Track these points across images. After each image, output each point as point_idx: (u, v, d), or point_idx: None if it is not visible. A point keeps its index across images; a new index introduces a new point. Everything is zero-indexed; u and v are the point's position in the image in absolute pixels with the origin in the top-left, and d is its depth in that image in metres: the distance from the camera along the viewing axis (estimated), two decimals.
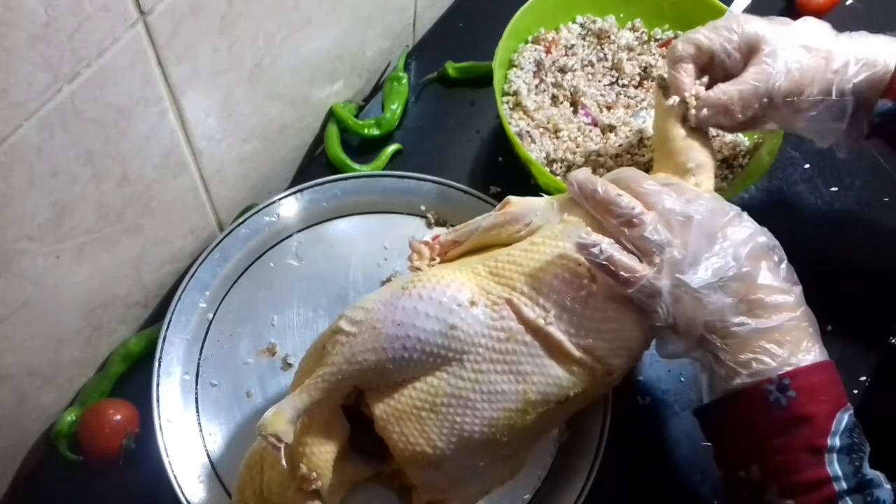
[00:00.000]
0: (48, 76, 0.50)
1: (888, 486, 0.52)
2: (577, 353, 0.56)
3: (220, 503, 0.67)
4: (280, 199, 0.78)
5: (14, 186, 0.53)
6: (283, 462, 0.55)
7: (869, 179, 0.88)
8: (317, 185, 0.79)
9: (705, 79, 0.66)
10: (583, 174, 0.58)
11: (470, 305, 0.57)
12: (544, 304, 0.56)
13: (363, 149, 0.88)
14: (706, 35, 0.65)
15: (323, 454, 0.58)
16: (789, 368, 0.53)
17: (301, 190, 0.79)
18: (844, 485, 0.51)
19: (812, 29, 0.66)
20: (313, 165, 0.88)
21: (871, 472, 0.52)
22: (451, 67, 0.92)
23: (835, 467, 0.51)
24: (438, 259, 0.64)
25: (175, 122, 0.65)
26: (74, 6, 0.49)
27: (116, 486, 0.69)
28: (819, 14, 0.99)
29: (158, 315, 0.78)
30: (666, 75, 0.66)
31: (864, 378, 0.78)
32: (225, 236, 0.76)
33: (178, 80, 0.62)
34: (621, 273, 0.53)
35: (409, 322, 0.56)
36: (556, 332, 0.56)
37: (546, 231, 0.60)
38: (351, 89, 0.91)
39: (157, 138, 0.64)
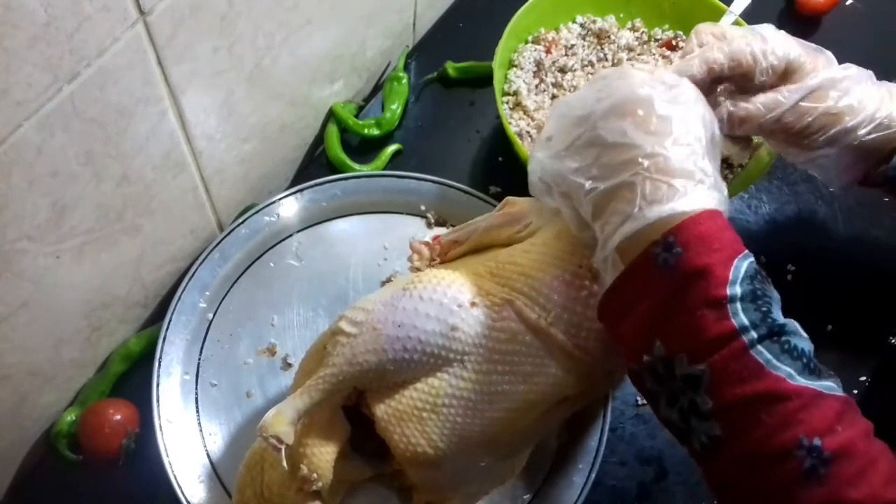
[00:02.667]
0: (48, 76, 0.50)
1: (805, 335, 0.48)
2: (577, 353, 0.56)
3: (220, 503, 0.67)
4: (280, 199, 0.78)
5: (14, 186, 0.53)
6: (284, 463, 0.55)
7: None
8: (317, 185, 0.79)
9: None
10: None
11: (471, 306, 0.57)
12: (545, 305, 0.56)
13: (363, 149, 0.88)
14: (740, 48, 0.62)
15: (323, 455, 0.58)
16: (656, 218, 0.48)
17: (301, 190, 0.79)
18: (754, 333, 0.46)
19: (858, 71, 0.65)
20: (313, 165, 0.88)
21: (783, 318, 0.48)
22: (451, 67, 0.92)
23: (740, 317, 0.46)
24: (439, 259, 0.64)
25: (175, 122, 0.65)
26: (74, 6, 0.49)
27: (116, 486, 0.69)
28: (819, 14, 0.99)
29: (158, 315, 0.77)
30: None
31: (864, 378, 0.78)
32: (225, 236, 0.76)
33: (178, 80, 0.62)
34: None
35: (409, 323, 0.56)
36: (557, 332, 0.56)
37: (546, 232, 0.60)
38: (351, 89, 0.91)
39: (157, 138, 0.64)
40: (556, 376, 0.56)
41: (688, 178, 0.49)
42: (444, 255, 0.64)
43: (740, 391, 0.46)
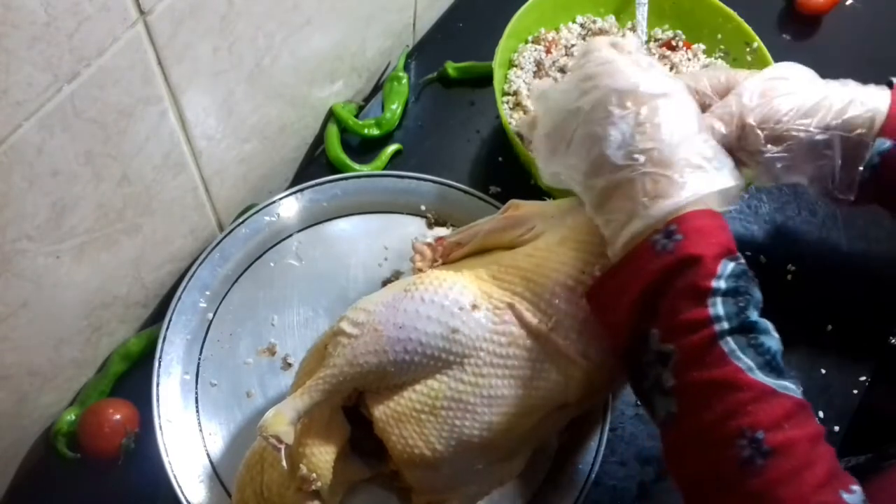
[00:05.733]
0: (48, 76, 0.50)
1: (777, 336, 0.50)
2: (578, 358, 0.56)
3: (220, 503, 0.67)
4: (280, 199, 0.78)
5: (14, 186, 0.53)
6: (284, 462, 0.55)
7: None
8: (317, 185, 0.79)
9: None
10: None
11: (472, 309, 0.57)
12: (546, 310, 0.56)
13: (363, 149, 0.88)
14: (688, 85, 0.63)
15: (323, 455, 0.58)
16: (661, 214, 0.50)
17: (301, 190, 0.79)
18: (726, 325, 0.48)
19: (794, 68, 0.64)
20: (313, 165, 0.88)
21: (757, 318, 0.50)
22: (451, 67, 0.92)
23: (717, 308, 0.49)
24: (441, 261, 0.64)
25: (175, 122, 0.65)
26: (74, 6, 0.49)
27: (116, 486, 0.69)
28: (819, 14, 0.99)
29: (158, 315, 0.77)
30: None
31: (864, 378, 0.78)
32: (225, 236, 0.76)
33: (178, 80, 0.62)
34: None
35: (410, 325, 0.56)
36: (558, 337, 0.56)
37: (549, 237, 0.60)
38: (351, 89, 0.91)
39: (157, 138, 0.64)
40: (556, 382, 0.56)
41: (685, 167, 0.51)
42: (447, 257, 0.64)
43: (699, 375, 0.49)
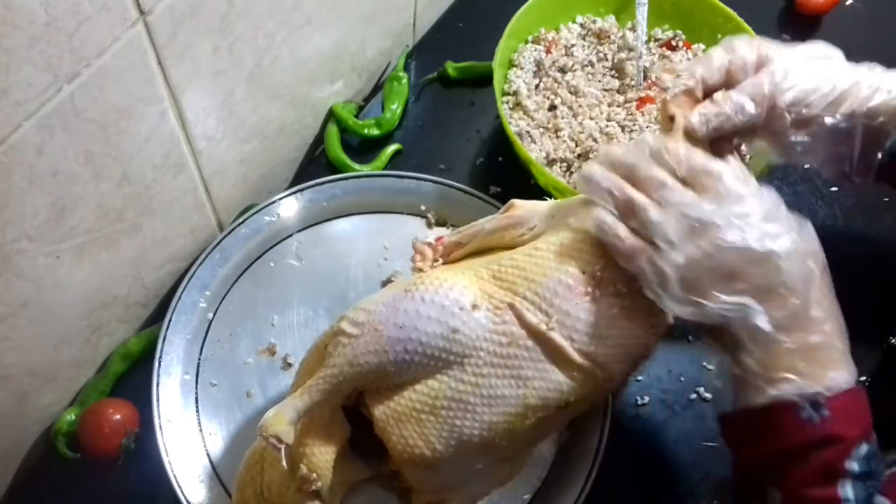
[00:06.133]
0: (48, 76, 0.50)
1: None
2: (578, 358, 0.56)
3: (220, 503, 0.67)
4: (280, 198, 0.78)
5: (14, 186, 0.53)
6: (284, 462, 0.55)
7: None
8: (317, 184, 0.79)
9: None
10: (598, 170, 0.57)
11: (472, 309, 0.57)
12: (546, 310, 0.56)
13: (363, 149, 0.88)
14: (720, 56, 0.61)
15: (323, 455, 0.58)
16: (820, 389, 0.53)
17: (301, 190, 0.79)
18: None
19: (825, 49, 0.63)
20: (313, 165, 0.88)
21: (881, 500, 0.52)
22: (451, 67, 0.92)
23: (846, 490, 0.51)
24: (441, 261, 0.64)
25: (175, 122, 0.65)
26: (74, 6, 0.49)
27: (116, 486, 0.69)
28: (819, 14, 0.99)
29: (158, 315, 0.77)
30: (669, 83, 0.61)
31: (864, 378, 0.78)
32: (225, 236, 0.76)
33: (178, 80, 0.62)
34: (622, 247, 0.54)
35: (410, 325, 0.56)
36: (558, 337, 0.56)
37: (549, 236, 0.60)
38: (351, 89, 0.91)
39: (157, 138, 0.64)
40: (556, 381, 0.56)
41: (834, 352, 0.54)
42: (447, 257, 0.64)
43: None
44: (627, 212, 0.55)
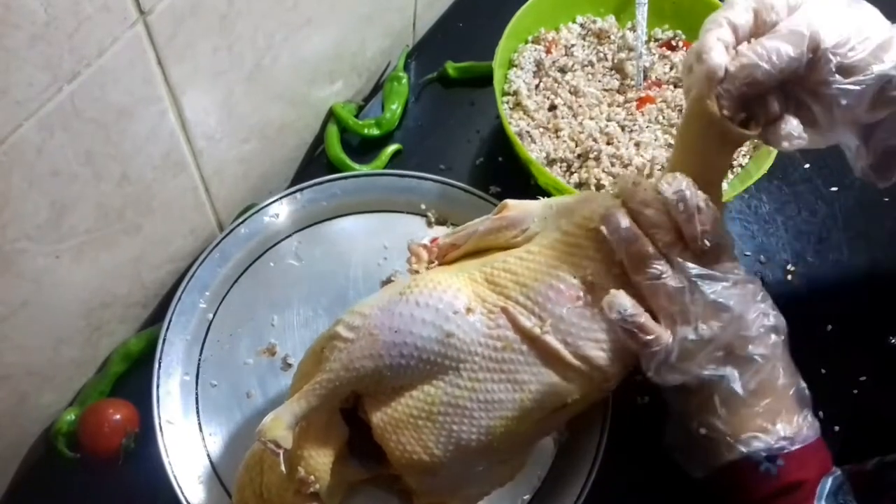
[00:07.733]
0: (48, 76, 0.50)
1: None
2: (574, 361, 0.56)
3: (220, 503, 0.67)
4: (280, 198, 0.78)
5: (14, 186, 0.53)
6: (283, 466, 0.55)
7: None
8: (317, 184, 0.79)
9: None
10: (622, 220, 0.56)
11: (466, 313, 0.57)
12: (540, 314, 0.56)
13: (363, 149, 0.88)
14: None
15: (321, 457, 0.58)
16: (772, 443, 0.55)
17: (301, 189, 0.79)
18: None
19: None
20: (313, 165, 0.88)
21: None
22: (451, 67, 0.92)
23: None
24: (437, 262, 0.64)
25: (175, 122, 0.65)
26: (74, 6, 0.49)
27: (116, 486, 0.69)
28: None
29: (158, 315, 0.77)
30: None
31: (864, 378, 0.78)
32: (225, 236, 0.76)
33: (178, 80, 0.62)
34: (644, 337, 0.55)
35: (406, 329, 0.56)
36: (552, 340, 0.56)
37: (542, 239, 0.60)
38: (351, 89, 0.91)
39: (157, 138, 0.64)
40: (552, 385, 0.56)
41: (804, 407, 0.57)
42: (442, 258, 0.64)
43: None
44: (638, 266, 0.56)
